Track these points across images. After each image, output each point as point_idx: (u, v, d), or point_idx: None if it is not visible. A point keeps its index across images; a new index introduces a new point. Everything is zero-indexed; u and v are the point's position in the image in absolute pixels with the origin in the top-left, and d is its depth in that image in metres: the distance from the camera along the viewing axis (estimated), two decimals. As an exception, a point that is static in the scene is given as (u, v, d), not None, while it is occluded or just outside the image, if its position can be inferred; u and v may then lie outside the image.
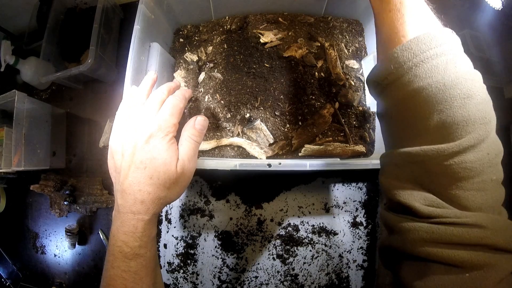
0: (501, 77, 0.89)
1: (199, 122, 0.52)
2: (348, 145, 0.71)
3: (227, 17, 0.83)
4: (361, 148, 0.71)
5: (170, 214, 0.89)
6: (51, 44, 0.93)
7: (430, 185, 0.36)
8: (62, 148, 1.01)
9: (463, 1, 0.88)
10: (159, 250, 0.88)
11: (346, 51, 0.80)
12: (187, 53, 0.80)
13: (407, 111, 0.38)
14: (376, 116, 0.74)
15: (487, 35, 0.84)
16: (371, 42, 0.79)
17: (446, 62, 0.34)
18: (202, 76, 0.78)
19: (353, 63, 0.78)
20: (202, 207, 0.87)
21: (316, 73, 0.75)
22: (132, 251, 0.45)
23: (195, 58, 0.79)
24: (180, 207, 0.88)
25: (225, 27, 0.82)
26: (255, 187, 0.86)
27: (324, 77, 0.75)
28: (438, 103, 0.34)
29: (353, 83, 0.76)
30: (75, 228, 0.95)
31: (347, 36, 0.81)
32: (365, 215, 0.85)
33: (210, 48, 0.80)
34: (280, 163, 0.58)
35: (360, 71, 0.78)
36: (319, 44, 0.79)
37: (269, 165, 0.57)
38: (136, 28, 0.63)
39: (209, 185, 0.88)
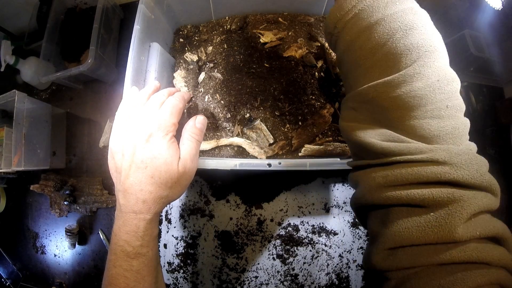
0: (501, 77, 0.89)
1: (199, 121, 0.52)
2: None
3: (227, 17, 0.83)
4: None
5: (170, 214, 0.89)
6: (51, 44, 0.93)
7: (387, 121, 0.36)
8: (62, 148, 1.01)
9: (463, 1, 0.88)
10: (159, 250, 0.88)
11: None
12: (187, 53, 0.80)
13: (355, 52, 0.38)
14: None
15: (487, 35, 0.84)
16: None
17: (387, 2, 0.35)
18: (202, 76, 0.78)
19: None
20: (202, 207, 0.87)
21: (316, 73, 0.75)
22: (134, 250, 0.45)
23: (195, 58, 0.79)
24: (180, 207, 0.88)
25: (225, 27, 0.82)
26: (255, 187, 0.86)
27: (324, 77, 0.75)
28: (380, 38, 0.34)
29: None
30: (75, 228, 0.95)
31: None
32: (365, 215, 0.85)
33: (210, 48, 0.80)
34: (280, 163, 0.58)
35: None
36: (319, 44, 0.78)
37: (269, 165, 0.57)
38: (136, 28, 0.63)
39: (209, 185, 0.88)
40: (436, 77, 0.33)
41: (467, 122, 0.35)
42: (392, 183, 0.33)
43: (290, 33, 0.79)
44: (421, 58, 0.33)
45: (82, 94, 1.03)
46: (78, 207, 0.96)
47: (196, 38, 0.83)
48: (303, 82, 0.74)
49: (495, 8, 0.77)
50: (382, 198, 0.34)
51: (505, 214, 0.80)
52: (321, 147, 0.69)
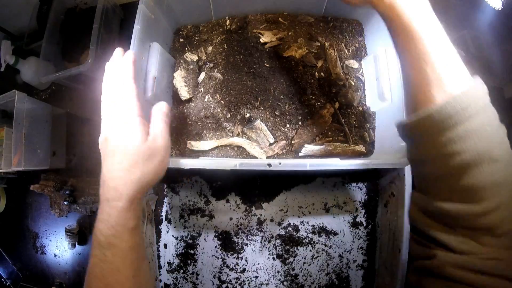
0: (501, 77, 0.89)
1: (162, 104, 0.54)
2: (348, 145, 0.71)
3: (227, 17, 0.83)
4: (361, 148, 0.71)
5: (170, 214, 0.89)
6: (51, 44, 0.93)
7: (462, 232, 0.41)
8: (62, 148, 1.01)
9: (463, 1, 0.88)
10: (159, 250, 0.88)
11: (346, 51, 0.80)
12: (187, 53, 0.80)
13: (441, 167, 0.41)
14: (375, 118, 0.75)
15: (487, 35, 0.84)
16: (371, 42, 0.79)
17: (481, 124, 0.38)
18: (202, 76, 0.78)
19: (353, 63, 0.78)
20: (202, 207, 0.87)
21: (316, 73, 0.75)
22: (106, 240, 0.45)
23: (195, 58, 0.79)
24: (180, 207, 0.88)
25: (225, 27, 0.82)
26: (255, 187, 0.86)
27: (324, 77, 0.76)
28: (470, 168, 0.38)
29: (353, 83, 0.76)
30: (75, 228, 0.95)
31: (347, 36, 0.81)
32: (365, 215, 0.85)
33: (210, 48, 0.80)
34: (280, 163, 0.58)
35: (360, 71, 0.78)
36: (319, 44, 0.79)
37: (269, 165, 0.57)
38: (136, 28, 0.63)
39: (209, 185, 0.88)
40: (510, 210, 0.39)
41: None
42: (464, 267, 0.39)
43: (290, 33, 0.79)
44: (500, 194, 0.38)
45: (82, 94, 1.03)
46: (78, 207, 0.96)
47: (196, 38, 0.83)
48: (303, 82, 0.74)
49: (495, 8, 0.77)
50: (454, 274, 0.40)
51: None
52: (321, 147, 0.69)
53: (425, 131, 0.41)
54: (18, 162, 0.85)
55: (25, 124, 0.87)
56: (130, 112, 0.48)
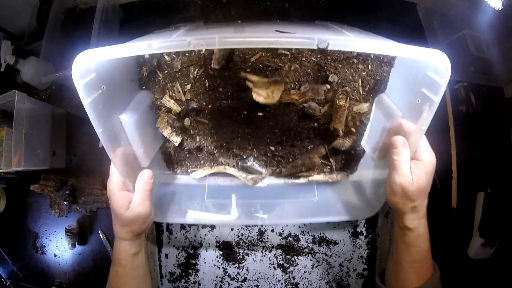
0: (501, 77, 0.88)
1: (144, 173, 0.61)
2: (330, 176, 0.76)
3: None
4: (344, 176, 0.77)
5: (171, 224, 0.89)
6: (51, 44, 0.92)
7: None
8: (62, 148, 1.00)
9: (463, 1, 0.88)
10: (160, 260, 0.89)
11: (360, 90, 0.65)
12: (164, 98, 0.67)
13: None
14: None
15: (487, 35, 0.85)
16: (395, 74, 0.63)
17: None
18: (187, 121, 0.71)
19: (362, 108, 0.66)
20: (203, 217, 0.87)
21: (316, 123, 0.69)
22: (117, 261, 0.61)
23: (174, 106, 0.68)
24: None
25: (201, 55, 0.64)
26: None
27: (323, 124, 0.69)
28: None
29: (354, 130, 0.68)
30: (75, 228, 0.95)
31: (369, 66, 0.64)
32: (365, 225, 0.85)
33: (189, 86, 0.66)
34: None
35: (368, 116, 0.67)
36: (328, 87, 0.64)
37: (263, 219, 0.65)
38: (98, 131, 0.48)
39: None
40: None
41: None
42: None
43: (293, 67, 0.62)
44: None
45: (82, 94, 1.01)
46: (78, 207, 0.96)
47: (166, 62, 0.66)
48: (298, 131, 0.70)
49: (495, 8, 0.77)
50: None
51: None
52: (305, 180, 0.77)
53: None
54: (18, 162, 0.85)
55: (25, 124, 0.86)
56: (112, 186, 0.57)
